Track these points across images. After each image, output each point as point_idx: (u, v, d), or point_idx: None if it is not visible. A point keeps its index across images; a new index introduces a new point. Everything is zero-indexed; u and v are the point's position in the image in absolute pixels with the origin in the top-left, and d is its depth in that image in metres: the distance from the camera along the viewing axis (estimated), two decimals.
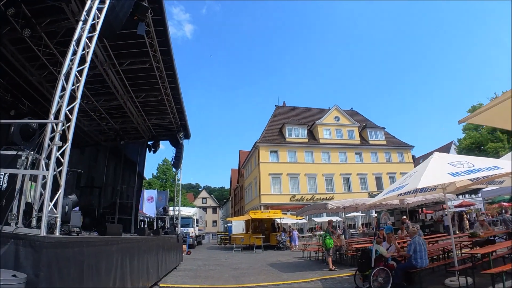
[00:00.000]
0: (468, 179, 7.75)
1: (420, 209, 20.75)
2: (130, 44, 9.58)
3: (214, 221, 78.44)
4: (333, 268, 10.27)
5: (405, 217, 15.14)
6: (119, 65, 10.31)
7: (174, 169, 17.93)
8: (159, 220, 14.85)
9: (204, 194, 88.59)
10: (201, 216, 32.38)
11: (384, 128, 40.49)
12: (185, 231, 22.18)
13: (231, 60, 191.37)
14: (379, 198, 8.09)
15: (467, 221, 21.10)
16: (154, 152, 15.97)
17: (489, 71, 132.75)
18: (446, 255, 8.77)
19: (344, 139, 37.54)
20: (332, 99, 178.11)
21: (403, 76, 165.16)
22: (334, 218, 30.95)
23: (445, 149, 40.67)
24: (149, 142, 16.20)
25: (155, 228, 13.40)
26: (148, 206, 29.55)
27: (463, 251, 9.11)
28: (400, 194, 8.23)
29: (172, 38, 9.93)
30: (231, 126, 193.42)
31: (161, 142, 16.83)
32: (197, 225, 27.47)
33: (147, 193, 31.95)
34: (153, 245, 7.83)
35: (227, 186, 79.55)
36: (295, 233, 23.16)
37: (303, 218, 27.02)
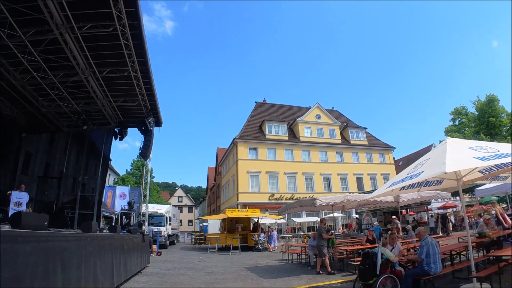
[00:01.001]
0: (479, 171, 6.77)
1: (404, 210, 20.06)
2: (91, 2, 7.99)
3: (190, 221, 76.13)
4: (321, 272, 9.06)
5: (394, 216, 14.20)
6: (78, 28, 8.62)
7: (144, 160, 16.22)
8: (124, 217, 13.10)
9: (180, 192, 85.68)
10: (174, 214, 30.47)
11: (366, 128, 39.96)
12: (156, 230, 20.50)
13: (210, 56, 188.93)
14: (382, 191, 6.87)
15: (451, 223, 20.65)
16: (121, 139, 14.28)
17: (468, 74, 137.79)
18: (453, 257, 7.68)
19: (325, 138, 36.60)
20: (314, 99, 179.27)
21: (384, 78, 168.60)
22: (314, 219, 30.00)
23: (426, 151, 40.35)
24: (116, 129, 14.45)
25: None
26: (120, 203, 27.76)
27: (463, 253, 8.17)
28: (404, 187, 7.13)
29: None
30: (211, 124, 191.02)
31: (135, 137, 15.19)
32: (170, 224, 25.67)
33: (119, 190, 30.19)
34: (105, 245, 6.25)
35: (204, 186, 77.37)
36: (275, 233, 21.90)
37: (283, 218, 25.81)
